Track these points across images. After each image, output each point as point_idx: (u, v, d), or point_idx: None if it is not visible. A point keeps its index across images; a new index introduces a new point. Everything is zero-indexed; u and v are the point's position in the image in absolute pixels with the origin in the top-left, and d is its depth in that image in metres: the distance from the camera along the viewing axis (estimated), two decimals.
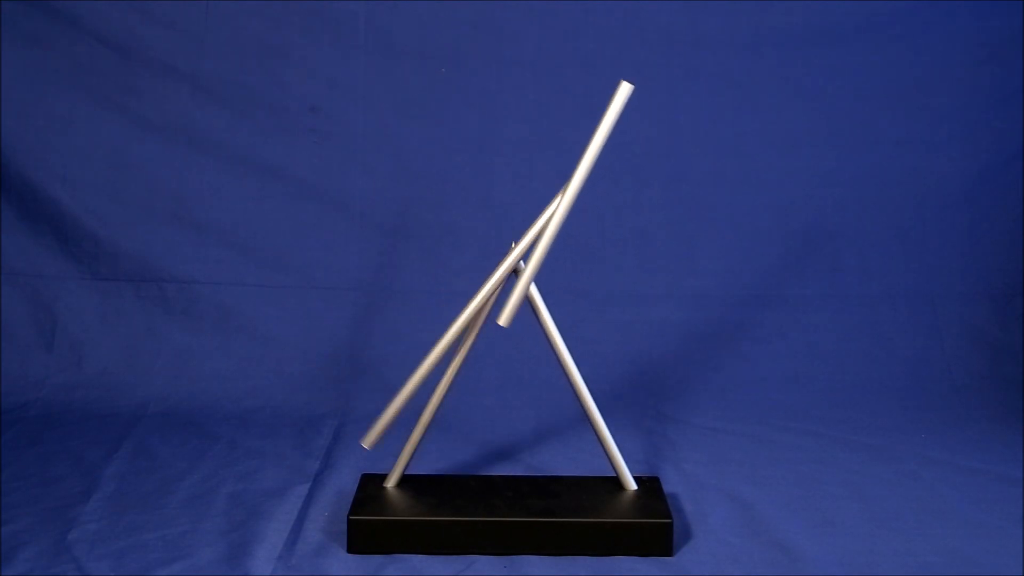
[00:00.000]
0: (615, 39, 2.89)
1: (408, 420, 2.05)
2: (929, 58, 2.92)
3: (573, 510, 1.94)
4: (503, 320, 1.89)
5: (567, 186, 1.94)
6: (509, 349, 2.77)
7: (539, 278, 1.98)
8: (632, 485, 2.03)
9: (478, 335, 1.98)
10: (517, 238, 2.05)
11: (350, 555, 1.89)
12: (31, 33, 2.78)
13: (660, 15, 2.89)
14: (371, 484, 2.04)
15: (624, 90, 1.93)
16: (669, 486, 2.19)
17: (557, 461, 2.35)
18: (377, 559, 1.87)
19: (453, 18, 2.87)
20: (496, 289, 1.95)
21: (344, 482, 2.20)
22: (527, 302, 1.98)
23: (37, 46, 2.78)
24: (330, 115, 2.86)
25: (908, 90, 2.93)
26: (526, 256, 1.94)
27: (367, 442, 2.00)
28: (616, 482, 2.04)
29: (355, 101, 2.87)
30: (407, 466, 2.04)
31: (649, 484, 2.06)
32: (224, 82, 2.83)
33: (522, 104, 2.91)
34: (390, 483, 2.03)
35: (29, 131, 2.78)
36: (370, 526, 1.90)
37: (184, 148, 2.82)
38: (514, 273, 1.97)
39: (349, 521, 1.90)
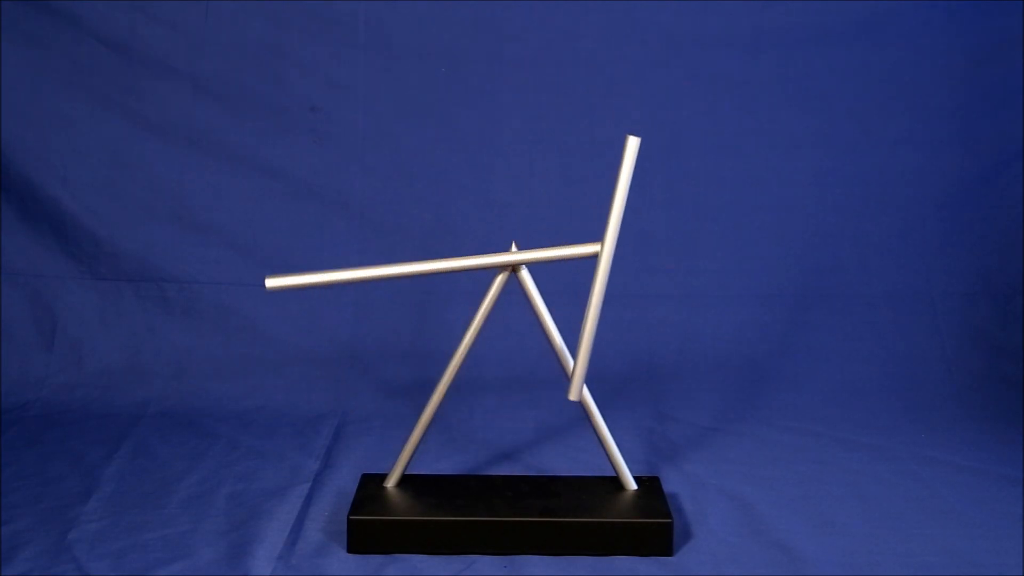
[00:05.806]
0: (615, 39, 2.89)
1: (408, 420, 2.05)
2: (929, 58, 2.92)
3: (573, 510, 1.93)
4: (572, 395, 1.90)
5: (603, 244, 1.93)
6: (509, 349, 2.77)
7: (539, 278, 1.98)
8: (632, 485, 2.03)
9: (478, 335, 1.98)
10: (518, 239, 2.05)
11: (350, 555, 1.89)
12: (31, 33, 2.77)
13: (660, 15, 2.89)
14: (371, 484, 2.04)
15: (632, 144, 1.92)
16: (669, 486, 2.19)
17: (557, 461, 2.35)
18: (377, 559, 1.87)
19: (453, 18, 2.87)
20: (493, 300, 1.96)
21: (344, 482, 2.20)
22: (527, 301, 1.98)
23: (37, 46, 2.78)
24: (330, 115, 2.86)
25: (908, 90, 2.93)
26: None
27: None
28: (616, 482, 2.04)
29: (355, 101, 2.87)
30: (407, 466, 2.04)
31: (649, 484, 2.06)
32: (224, 82, 2.82)
33: (522, 104, 2.91)
34: (390, 483, 2.03)
35: (29, 131, 2.78)
36: (370, 526, 1.90)
37: (184, 148, 2.82)
38: (513, 271, 1.97)
39: (349, 521, 1.90)
